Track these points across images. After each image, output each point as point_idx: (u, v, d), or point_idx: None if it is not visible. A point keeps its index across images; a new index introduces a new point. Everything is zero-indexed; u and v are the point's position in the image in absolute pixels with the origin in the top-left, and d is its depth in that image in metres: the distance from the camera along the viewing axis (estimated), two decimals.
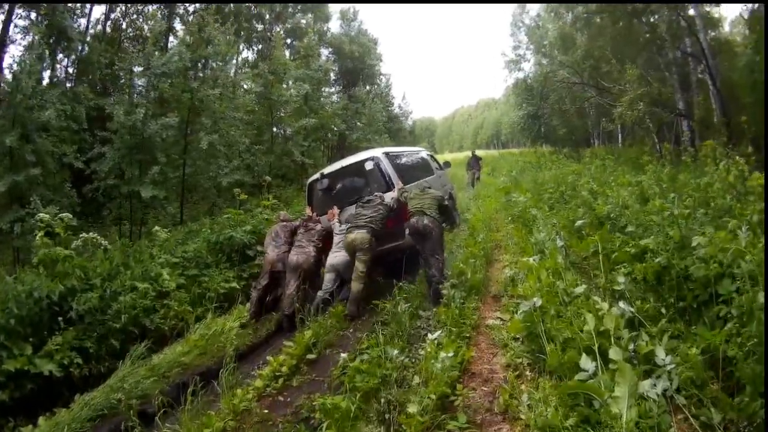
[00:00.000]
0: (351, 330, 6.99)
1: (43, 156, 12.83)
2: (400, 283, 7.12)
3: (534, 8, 34.02)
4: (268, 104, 17.31)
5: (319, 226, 8.63)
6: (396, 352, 4.78)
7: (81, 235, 8.30)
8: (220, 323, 7.61)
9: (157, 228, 10.44)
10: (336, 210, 8.78)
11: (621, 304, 4.24)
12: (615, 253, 5.99)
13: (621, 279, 5.12)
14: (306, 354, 6.08)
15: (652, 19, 19.26)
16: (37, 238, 7.64)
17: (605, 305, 4.04)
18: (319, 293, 8.00)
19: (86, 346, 6.48)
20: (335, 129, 25.57)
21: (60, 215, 8.15)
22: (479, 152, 28.13)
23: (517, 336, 5.09)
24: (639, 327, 4.16)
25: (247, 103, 17.98)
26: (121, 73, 17.11)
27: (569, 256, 7.15)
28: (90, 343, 6.55)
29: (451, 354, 4.42)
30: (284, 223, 8.94)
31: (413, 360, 5.08)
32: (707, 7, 18.08)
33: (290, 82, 18.90)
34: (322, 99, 23.09)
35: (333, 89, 37.25)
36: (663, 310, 4.61)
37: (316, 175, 9.90)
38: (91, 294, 7.02)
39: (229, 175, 14.47)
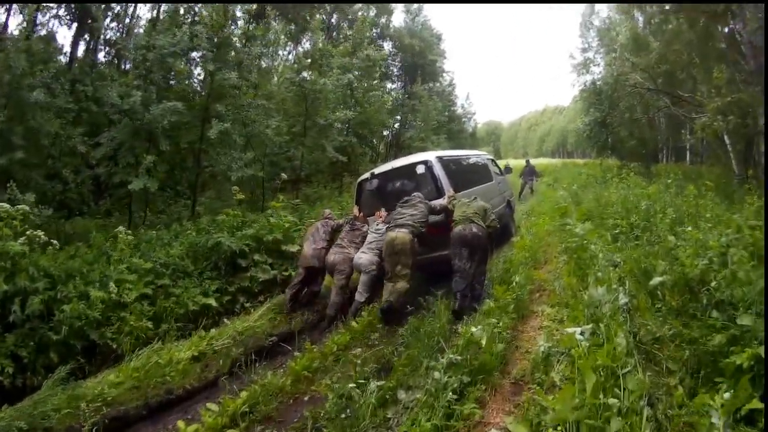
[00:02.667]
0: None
1: (39, 138, 11.39)
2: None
3: (604, 9, 31.71)
4: (302, 92, 15.27)
5: (365, 227, 8.44)
6: None
7: (27, 232, 6.93)
8: (169, 351, 6.33)
9: (120, 228, 8.89)
10: (383, 212, 8.42)
11: None
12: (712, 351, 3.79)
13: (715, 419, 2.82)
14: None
15: (732, 24, 16.44)
16: None
17: None
18: (357, 297, 7.68)
19: (22, 355, 5.90)
20: (385, 125, 23.33)
21: (19, 206, 7.11)
22: (534, 161, 25.69)
23: None
24: None
25: (280, 92, 16.15)
26: (127, 53, 15.54)
27: (636, 330, 4.71)
28: (25, 353, 5.95)
29: None
30: (326, 219, 8.80)
31: None
32: None
33: (333, 70, 16.77)
34: (372, 92, 20.85)
35: (395, 84, 36.20)
36: None
37: (366, 175, 9.62)
38: (35, 298, 6.26)
39: (241, 170, 12.52)
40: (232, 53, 13.80)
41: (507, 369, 4.93)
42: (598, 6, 32.04)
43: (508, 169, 15.39)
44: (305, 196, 16.89)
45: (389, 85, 34.97)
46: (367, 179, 9.42)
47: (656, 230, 7.63)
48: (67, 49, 18.74)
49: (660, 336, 4.43)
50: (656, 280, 4.87)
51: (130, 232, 9.04)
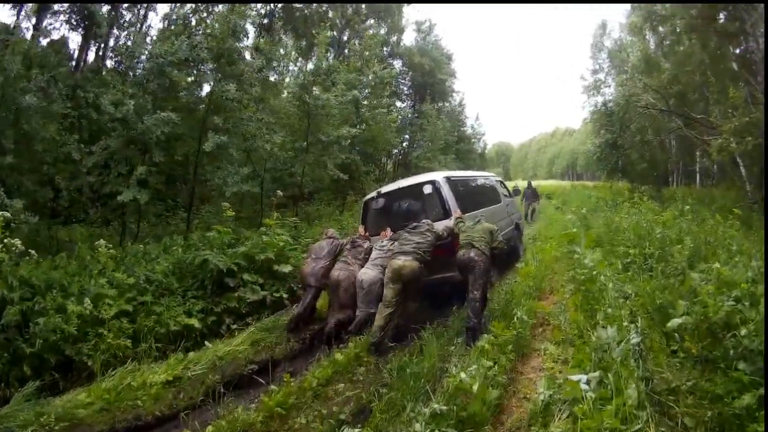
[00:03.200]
0: None
1: (33, 143, 11.03)
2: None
3: (616, 29, 31.21)
4: (305, 108, 14.81)
5: (367, 244, 8.28)
6: None
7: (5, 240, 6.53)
8: (143, 373, 5.97)
9: (101, 241, 8.48)
10: (389, 231, 8.19)
11: None
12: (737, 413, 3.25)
13: None
14: None
15: (744, 45, 16.38)
16: None
17: None
18: (359, 313, 7.38)
19: None
20: (391, 143, 22.91)
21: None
22: (544, 183, 25.32)
23: None
24: None
25: (284, 107, 15.69)
26: (124, 60, 15.23)
27: (649, 375, 4.07)
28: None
29: None
30: (331, 239, 8.66)
31: None
32: None
33: (337, 86, 16.36)
34: (378, 110, 20.34)
35: (404, 103, 35.85)
36: None
37: (373, 194, 9.46)
38: (11, 308, 6.06)
39: (237, 185, 12.09)
40: (233, 65, 13.35)
41: (501, 419, 4.34)
42: (609, 27, 31.90)
43: (516, 192, 14.98)
44: (306, 213, 16.38)
45: (399, 104, 34.69)
46: (373, 198, 9.26)
47: (672, 261, 6.96)
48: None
49: (677, 386, 3.82)
50: (675, 321, 4.16)
51: (111, 246, 8.59)
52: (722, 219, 8.58)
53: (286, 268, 9.30)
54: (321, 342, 7.39)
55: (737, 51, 17.43)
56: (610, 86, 28.77)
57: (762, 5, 14.04)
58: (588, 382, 3.66)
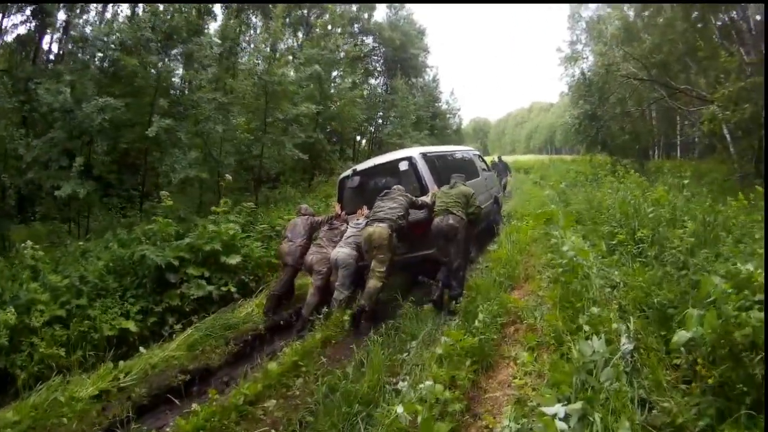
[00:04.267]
0: None
1: None
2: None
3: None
4: (262, 85, 13.71)
5: (344, 226, 8.11)
6: None
7: None
8: (69, 388, 5.40)
9: (27, 242, 7.71)
10: (365, 210, 7.99)
11: None
12: None
13: None
14: None
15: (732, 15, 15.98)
16: None
17: None
18: (336, 295, 7.21)
19: None
20: (356, 119, 21.72)
21: None
22: (522, 158, 24.69)
23: None
24: None
25: (240, 86, 14.57)
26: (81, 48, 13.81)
27: (645, 398, 3.15)
28: None
29: None
30: (305, 216, 8.52)
31: None
32: None
33: (294, 61, 15.28)
34: (342, 85, 19.20)
35: (377, 80, 35.18)
36: None
37: (348, 172, 9.33)
38: None
39: (184, 170, 11.16)
40: (183, 45, 12.28)
41: None
42: None
43: (502, 163, 15.11)
44: (265, 197, 15.28)
45: (372, 81, 34.26)
46: (348, 176, 9.10)
47: (669, 245, 5.78)
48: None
49: (683, 425, 2.80)
50: (682, 336, 2.97)
51: (38, 246, 7.82)
52: (714, 195, 7.72)
53: (234, 260, 8.68)
54: (299, 327, 7.21)
55: (718, 23, 16.96)
56: (587, 58, 27.71)
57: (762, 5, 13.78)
58: (566, 417, 2.66)
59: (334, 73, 19.15)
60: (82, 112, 10.08)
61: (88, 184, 10.26)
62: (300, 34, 27.02)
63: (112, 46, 11.38)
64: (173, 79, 11.83)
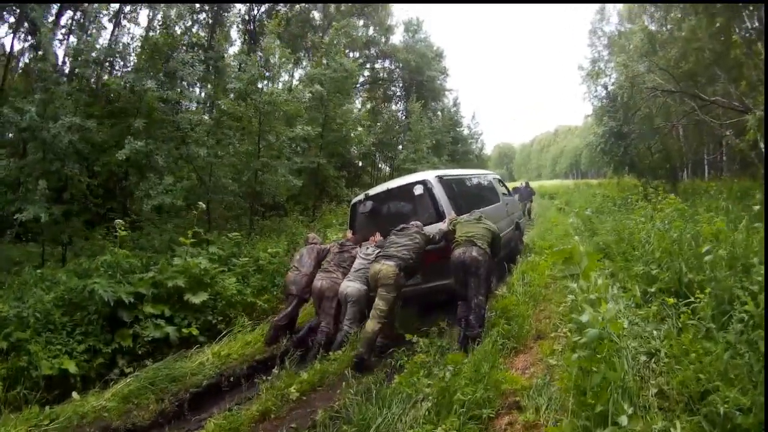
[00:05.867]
0: None
1: None
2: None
3: (614, 16, 29.83)
4: (253, 106, 12.60)
5: (355, 250, 7.54)
6: None
7: None
8: None
9: None
10: (378, 237, 7.56)
11: None
12: None
13: None
14: None
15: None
16: None
17: None
18: (344, 327, 6.70)
19: None
20: (363, 143, 20.55)
21: None
22: (547, 183, 24.03)
23: None
24: None
25: (228, 106, 13.34)
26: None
27: None
28: None
29: None
30: (312, 245, 8.01)
31: None
32: None
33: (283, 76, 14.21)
34: (345, 106, 17.98)
35: (397, 105, 34.07)
36: None
37: (361, 196, 8.76)
38: None
39: (159, 197, 10.13)
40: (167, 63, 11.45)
41: None
42: (607, 11, 29.41)
43: (527, 189, 14.66)
44: (261, 227, 13.96)
45: (394, 107, 33.25)
46: (361, 201, 8.53)
47: (738, 308, 3.83)
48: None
49: None
50: None
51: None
52: None
53: (199, 298, 7.77)
54: (312, 355, 6.57)
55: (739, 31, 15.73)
56: (610, 75, 26.08)
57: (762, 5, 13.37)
58: None
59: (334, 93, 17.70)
60: (49, 133, 9.27)
61: (57, 207, 9.51)
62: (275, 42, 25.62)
63: (85, 62, 10.58)
64: (159, 103, 10.93)
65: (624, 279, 5.89)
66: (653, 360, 3.56)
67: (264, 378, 5.68)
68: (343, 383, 5.22)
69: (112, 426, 5.16)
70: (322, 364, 5.87)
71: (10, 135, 10.43)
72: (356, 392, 4.71)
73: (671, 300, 4.36)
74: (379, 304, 6.25)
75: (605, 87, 24.62)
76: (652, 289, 5.06)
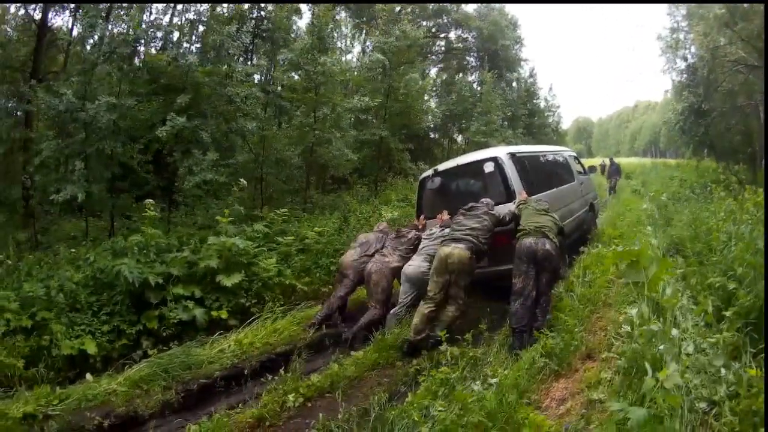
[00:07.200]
0: None
1: None
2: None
3: None
4: (307, 76, 12.17)
5: (412, 233, 7.37)
6: None
7: None
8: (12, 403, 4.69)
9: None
10: (446, 215, 7.20)
11: None
12: None
13: None
14: None
15: None
16: None
17: None
18: (393, 309, 6.59)
19: None
20: (431, 115, 20.13)
21: None
22: (624, 160, 24.46)
23: None
24: None
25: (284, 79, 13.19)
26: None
27: None
28: None
29: None
30: (382, 234, 7.78)
31: None
32: None
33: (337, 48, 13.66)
34: (409, 75, 16.99)
35: (472, 77, 32.32)
36: None
37: (429, 172, 8.47)
38: None
39: (201, 173, 9.77)
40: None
41: None
42: None
43: (592, 169, 13.68)
44: (317, 204, 13.52)
45: (470, 78, 31.68)
46: (429, 177, 8.26)
47: None
48: None
49: None
50: None
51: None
52: None
53: (231, 280, 7.31)
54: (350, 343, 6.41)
55: None
56: (689, 48, 23.98)
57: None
58: None
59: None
60: (87, 114, 9.18)
61: (96, 186, 9.48)
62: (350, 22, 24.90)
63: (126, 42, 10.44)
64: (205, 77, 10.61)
65: (696, 286, 4.92)
66: (713, 411, 2.74)
67: (270, 377, 5.28)
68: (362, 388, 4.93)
69: (114, 412, 4.99)
70: (340, 367, 5.41)
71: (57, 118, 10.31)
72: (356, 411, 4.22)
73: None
74: (455, 292, 5.96)
75: (685, 59, 22.51)
76: (728, 314, 3.85)
